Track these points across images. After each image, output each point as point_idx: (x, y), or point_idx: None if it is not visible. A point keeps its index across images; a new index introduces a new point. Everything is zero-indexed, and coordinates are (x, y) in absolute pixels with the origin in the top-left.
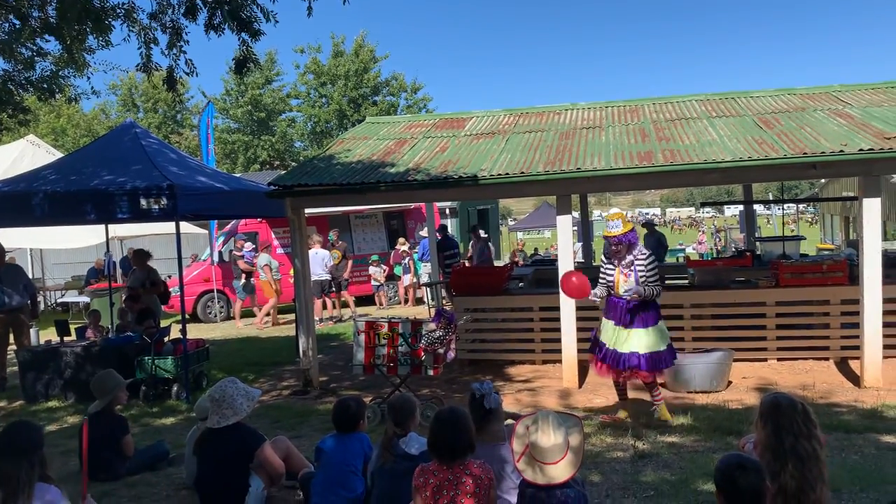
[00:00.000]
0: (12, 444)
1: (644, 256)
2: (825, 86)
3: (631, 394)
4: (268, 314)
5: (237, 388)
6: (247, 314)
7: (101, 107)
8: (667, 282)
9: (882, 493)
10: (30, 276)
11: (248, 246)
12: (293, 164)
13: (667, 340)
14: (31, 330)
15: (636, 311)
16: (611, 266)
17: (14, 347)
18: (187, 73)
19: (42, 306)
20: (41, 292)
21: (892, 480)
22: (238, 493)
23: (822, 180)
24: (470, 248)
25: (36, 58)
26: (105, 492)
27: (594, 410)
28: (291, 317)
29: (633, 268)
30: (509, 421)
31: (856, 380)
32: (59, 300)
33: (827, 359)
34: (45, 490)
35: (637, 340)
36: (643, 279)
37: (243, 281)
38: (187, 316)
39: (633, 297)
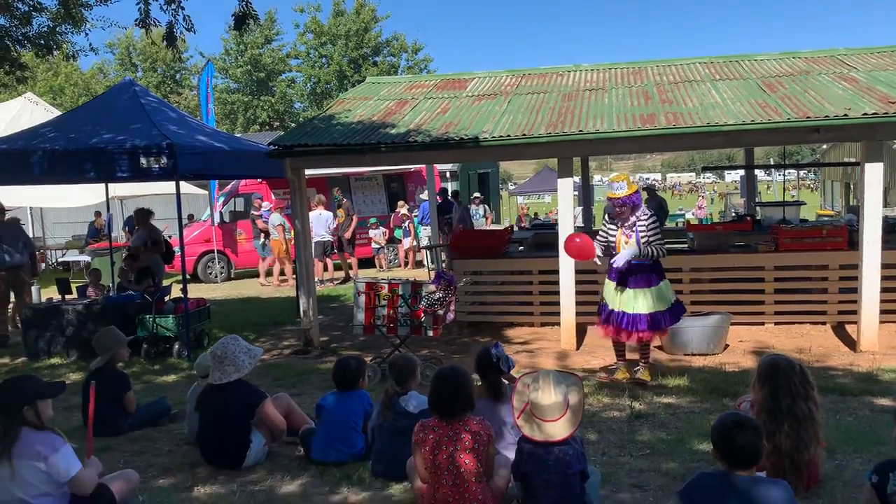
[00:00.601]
0: None
1: (646, 217)
2: (830, 49)
3: (630, 355)
4: (282, 273)
5: (239, 346)
6: (270, 272)
7: (99, 66)
8: (667, 246)
9: (875, 455)
10: (30, 234)
11: (266, 205)
12: (293, 124)
13: (670, 300)
14: (31, 288)
15: (638, 272)
16: (613, 227)
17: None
18: (187, 30)
19: (43, 265)
20: (42, 251)
21: (886, 442)
22: (239, 448)
23: (824, 146)
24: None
25: (33, 13)
26: (108, 446)
27: (592, 371)
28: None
29: (634, 229)
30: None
31: (852, 344)
32: (59, 259)
33: (824, 323)
34: (41, 438)
35: (641, 300)
36: (644, 240)
37: (262, 240)
38: (188, 276)
39: (634, 258)
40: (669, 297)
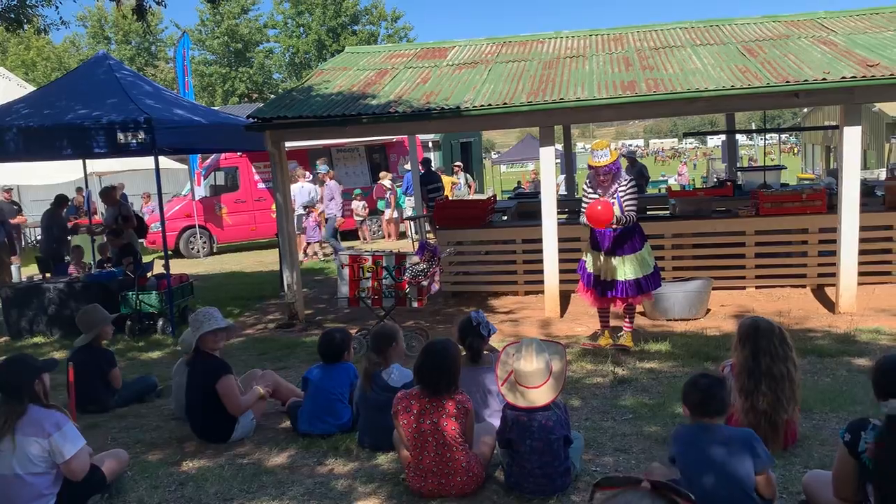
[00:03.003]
0: None
1: (626, 182)
2: (810, 13)
3: (613, 321)
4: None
5: (211, 309)
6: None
7: (71, 39)
8: (648, 212)
9: (851, 414)
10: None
11: (308, 176)
12: (272, 96)
13: (652, 263)
14: (11, 267)
15: (623, 239)
16: (595, 195)
17: None
18: (158, 3)
19: (22, 243)
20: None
21: (862, 401)
22: (225, 424)
23: (805, 110)
24: None
25: None
26: (95, 423)
27: (576, 339)
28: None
29: (616, 196)
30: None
31: (831, 306)
32: (38, 237)
33: (804, 286)
34: (46, 415)
35: (628, 266)
36: (626, 206)
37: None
38: (170, 252)
39: (614, 227)
40: (651, 261)
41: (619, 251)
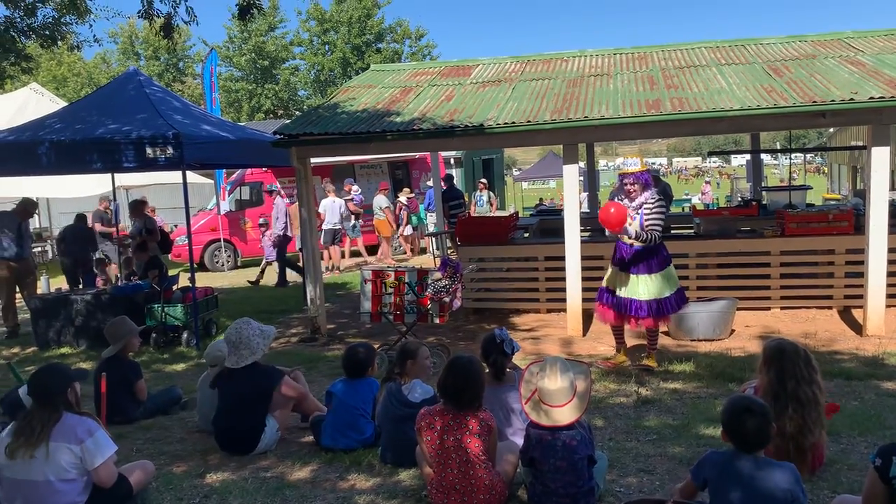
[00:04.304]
0: (34, 391)
1: (654, 200)
2: (837, 32)
3: (631, 340)
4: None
5: (252, 329)
6: (354, 253)
7: (102, 55)
8: (673, 231)
9: (880, 438)
10: (36, 225)
11: (356, 189)
12: (297, 112)
13: (674, 287)
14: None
15: (641, 257)
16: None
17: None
18: (186, 22)
19: (49, 254)
20: (48, 241)
21: (891, 426)
22: (254, 432)
23: (831, 130)
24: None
25: (38, 4)
26: (120, 434)
27: (598, 357)
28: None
29: (640, 211)
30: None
31: (858, 328)
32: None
33: (830, 308)
34: (79, 421)
35: (642, 287)
36: (648, 224)
37: (352, 221)
38: (195, 265)
39: (632, 242)
40: (671, 284)
41: (634, 269)
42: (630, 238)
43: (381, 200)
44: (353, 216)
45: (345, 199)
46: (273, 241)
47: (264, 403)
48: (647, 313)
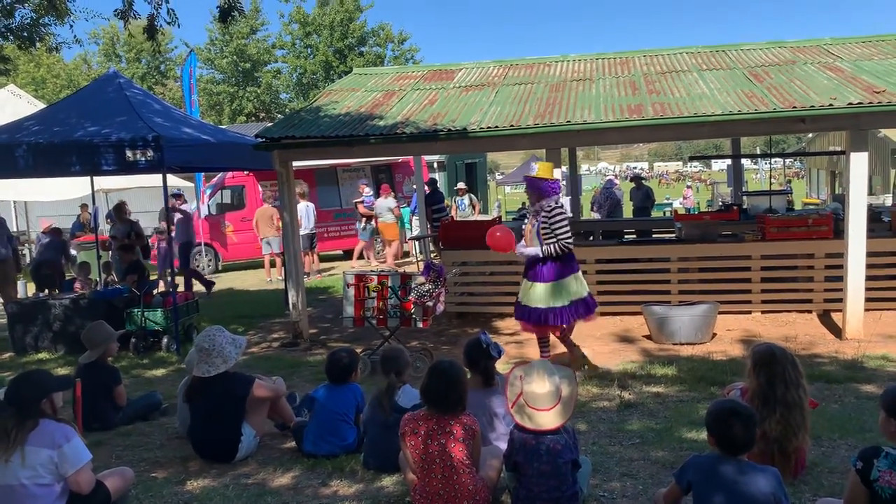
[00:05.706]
0: (10, 399)
1: (549, 209)
2: (816, 39)
3: (593, 343)
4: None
5: (225, 337)
6: (361, 256)
7: (83, 57)
8: (654, 235)
9: (861, 441)
10: (14, 228)
11: (368, 190)
12: (279, 115)
13: (566, 298)
14: (16, 283)
15: (534, 265)
16: (532, 212)
17: None
18: (168, 23)
19: (27, 259)
20: (26, 245)
21: (871, 429)
22: (231, 442)
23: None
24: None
25: (16, 5)
26: (99, 441)
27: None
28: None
29: (539, 219)
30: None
31: (838, 332)
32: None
33: (810, 311)
34: (57, 427)
35: (533, 294)
36: (544, 234)
37: (363, 224)
38: (175, 269)
39: (523, 255)
40: (567, 295)
41: (532, 275)
42: (528, 256)
43: (388, 202)
44: (364, 219)
45: (355, 202)
46: (175, 248)
47: (239, 412)
48: (536, 321)
